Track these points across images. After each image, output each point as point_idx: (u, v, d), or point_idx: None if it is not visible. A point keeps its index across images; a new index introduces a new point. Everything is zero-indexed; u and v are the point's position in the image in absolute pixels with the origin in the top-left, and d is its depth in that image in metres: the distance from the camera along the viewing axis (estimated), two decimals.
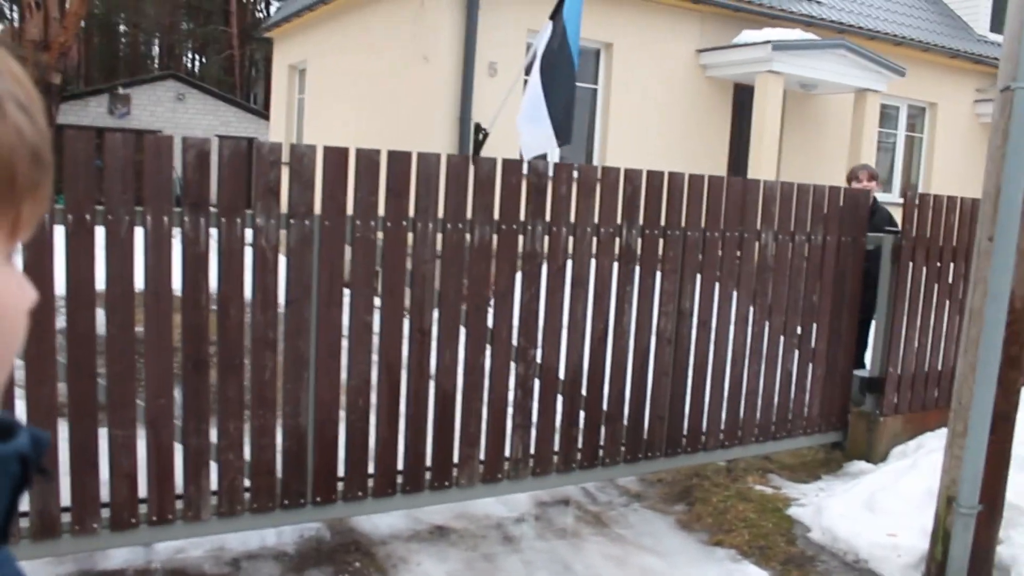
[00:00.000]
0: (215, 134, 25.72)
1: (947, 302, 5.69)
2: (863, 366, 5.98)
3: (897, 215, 5.90)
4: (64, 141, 3.26)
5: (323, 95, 14.14)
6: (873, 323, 5.65)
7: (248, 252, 3.66)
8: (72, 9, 22.48)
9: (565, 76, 7.84)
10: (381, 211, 3.89)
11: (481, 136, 10.13)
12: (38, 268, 3.25)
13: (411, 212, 3.96)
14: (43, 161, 0.54)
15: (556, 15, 8.20)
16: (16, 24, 33.89)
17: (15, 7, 39.12)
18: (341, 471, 3.95)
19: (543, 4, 9.87)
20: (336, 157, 3.76)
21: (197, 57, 44.84)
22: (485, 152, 9.92)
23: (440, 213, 4.02)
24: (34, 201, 0.54)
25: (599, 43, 11.27)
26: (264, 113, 27.18)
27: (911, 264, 5.44)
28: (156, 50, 46.04)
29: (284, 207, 3.70)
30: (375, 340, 3.98)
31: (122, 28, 43.23)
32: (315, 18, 14.26)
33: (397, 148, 3.98)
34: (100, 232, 3.40)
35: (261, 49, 38.86)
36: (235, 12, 38.06)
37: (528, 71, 9.53)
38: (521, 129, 8.09)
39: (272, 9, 44.80)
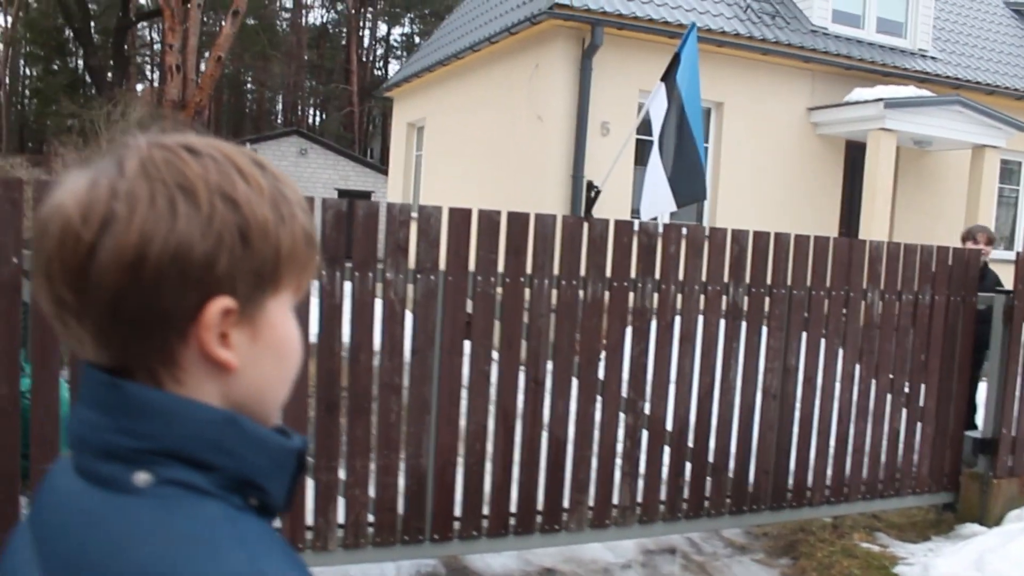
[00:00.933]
0: (335, 187, 26.86)
1: None
2: (974, 427, 5.92)
3: (1008, 273, 5.87)
4: None
5: (440, 152, 14.73)
6: (983, 384, 5.61)
7: (378, 304, 3.99)
8: (208, 71, 24.00)
9: (686, 137, 8.11)
10: (501, 268, 4.18)
11: (593, 194, 10.40)
12: None
13: (528, 269, 4.24)
14: (315, 244, 0.80)
15: (667, 76, 8.47)
16: (156, 84, 36.32)
17: (156, 70, 41.86)
18: (458, 511, 4.21)
19: (655, 65, 10.16)
20: (460, 217, 4.08)
21: (318, 113, 46.88)
22: (596, 209, 10.19)
23: (556, 270, 4.29)
24: (310, 272, 0.80)
25: (710, 102, 11.46)
26: (381, 167, 28.24)
27: None
28: (280, 107, 48.42)
29: (412, 263, 4.03)
30: (492, 389, 4.24)
31: (249, 86, 45.67)
32: (434, 78, 14.93)
33: (511, 204, 4.29)
34: None
35: (379, 106, 40.45)
36: (355, 71, 39.76)
37: (639, 131, 9.82)
38: (644, 192, 8.40)
39: (392, 68, 46.66)
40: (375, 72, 46.03)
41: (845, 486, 5.15)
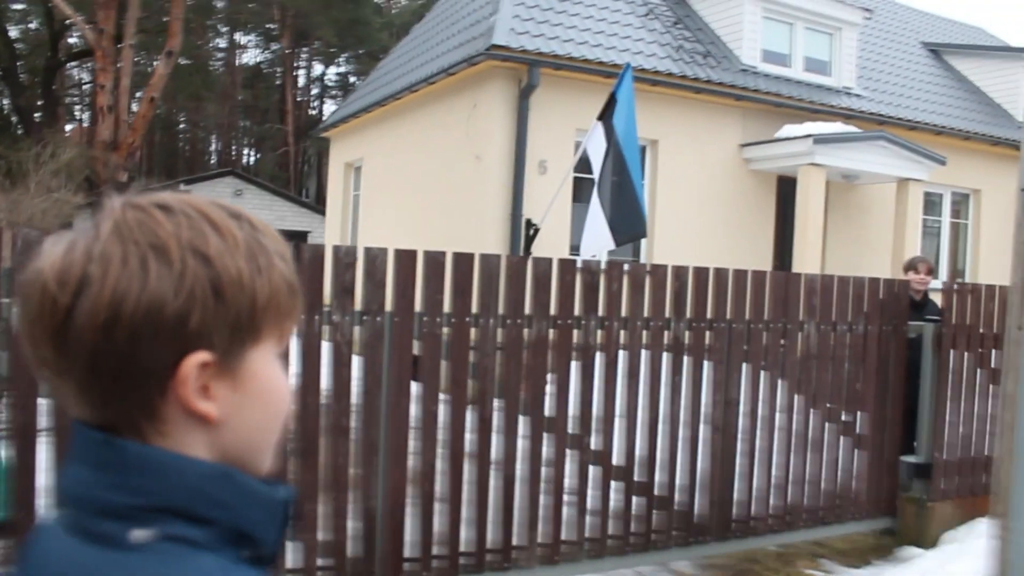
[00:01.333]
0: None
1: (991, 387, 5.83)
2: (912, 452, 6.09)
3: (938, 301, 6.10)
4: None
5: (378, 192, 14.74)
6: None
7: (325, 346, 3.99)
8: (141, 112, 23.70)
9: (624, 176, 8.26)
10: (447, 308, 4.21)
11: (532, 232, 10.52)
12: None
13: (474, 308, 4.27)
14: (296, 292, 0.81)
15: (604, 115, 8.64)
16: (86, 125, 35.75)
17: (86, 110, 41.18)
18: (409, 552, 4.19)
19: (591, 104, 10.35)
20: (406, 258, 4.11)
21: (252, 153, 46.53)
22: (536, 247, 10.30)
23: (501, 309, 4.34)
24: (292, 319, 0.82)
25: (645, 140, 11.67)
26: (317, 207, 28.11)
27: (952, 351, 5.61)
28: (213, 147, 47.96)
29: (358, 304, 4.04)
30: (441, 429, 4.25)
31: (182, 126, 45.21)
32: (371, 118, 14.97)
33: (451, 243, 4.34)
34: None
35: (315, 145, 40.31)
36: (291, 111, 39.62)
37: (576, 169, 9.98)
38: (585, 231, 8.52)
39: (327, 108, 46.56)
40: (310, 112, 45.90)
41: (789, 514, 5.26)
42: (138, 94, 33.19)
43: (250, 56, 46.28)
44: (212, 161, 46.85)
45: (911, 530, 5.62)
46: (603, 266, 4.66)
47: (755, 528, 5.14)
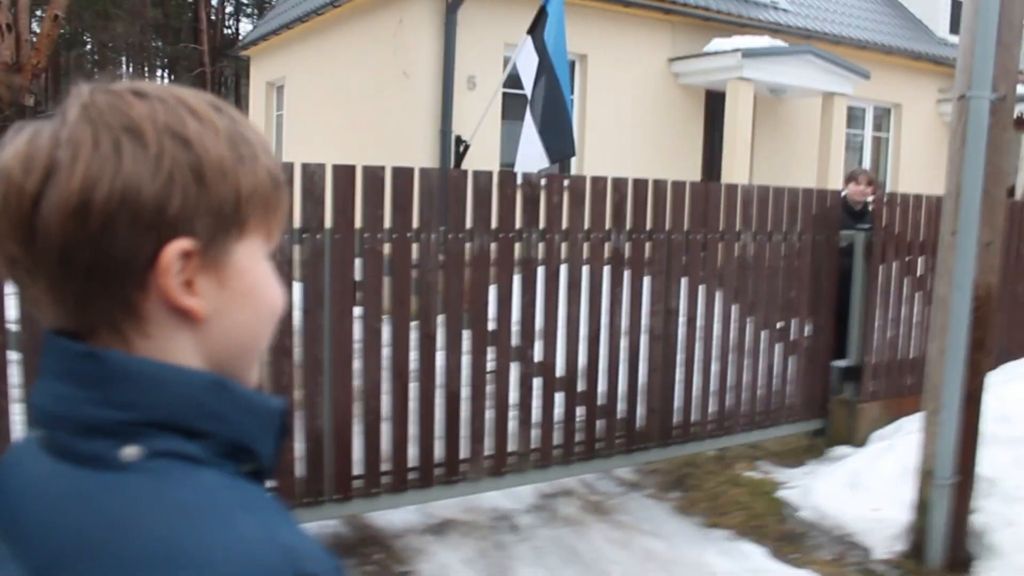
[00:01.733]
0: None
1: (917, 294, 6.02)
2: (844, 357, 6.28)
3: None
4: None
5: (302, 112, 14.36)
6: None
7: None
8: (45, 31, 22.52)
9: (555, 92, 8.15)
10: (387, 224, 4.13)
11: (462, 148, 10.38)
12: None
13: (415, 224, 4.21)
14: (281, 186, 0.76)
15: (533, 30, 8.48)
16: None
17: None
18: (357, 470, 4.19)
19: (520, 19, 10.16)
20: (344, 175, 4.01)
21: (167, 75, 44.81)
22: (466, 163, 10.18)
23: (442, 224, 4.28)
24: (279, 216, 0.76)
25: (574, 55, 11.53)
26: None
27: (882, 259, 5.76)
28: (124, 68, 46.02)
29: (296, 222, 3.94)
30: (385, 347, 4.22)
31: (89, 47, 43.23)
32: (293, 35, 14.48)
33: (380, 161, 4.24)
34: None
35: (232, 66, 39.01)
36: (205, 30, 38.13)
37: (505, 84, 9.83)
38: (519, 147, 8.41)
39: (243, 27, 44.95)
40: (225, 30, 44.26)
41: (727, 420, 5.40)
42: (39, 12, 31.52)
43: None
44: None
45: (842, 430, 5.84)
46: (543, 180, 4.62)
47: (695, 434, 5.27)
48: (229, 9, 45.21)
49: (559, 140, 8.23)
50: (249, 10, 45.99)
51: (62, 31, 33.11)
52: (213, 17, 41.56)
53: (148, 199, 0.65)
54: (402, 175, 4.14)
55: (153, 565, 0.60)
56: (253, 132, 0.74)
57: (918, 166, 15.34)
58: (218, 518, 0.63)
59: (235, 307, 0.72)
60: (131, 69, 44.26)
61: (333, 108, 12.98)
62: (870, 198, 6.41)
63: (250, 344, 0.75)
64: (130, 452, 0.65)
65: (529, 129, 8.22)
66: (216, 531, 0.62)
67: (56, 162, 0.64)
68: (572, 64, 11.69)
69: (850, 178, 6.69)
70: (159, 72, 44.26)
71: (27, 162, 0.65)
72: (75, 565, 0.62)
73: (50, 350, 0.70)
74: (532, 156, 8.19)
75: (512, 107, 11.43)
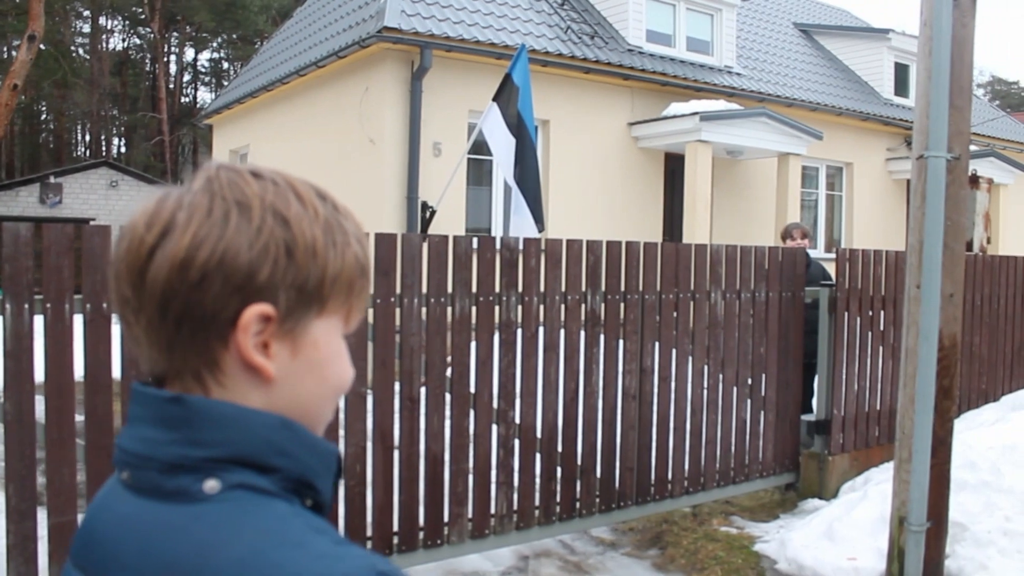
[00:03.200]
0: None
1: (880, 347, 6.22)
2: (811, 410, 6.44)
3: (830, 268, 6.45)
4: (82, 235, 3.56)
5: None
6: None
7: None
8: (3, 100, 22.47)
9: (531, 166, 8.42)
10: (371, 290, 4.23)
11: (428, 214, 10.53)
12: (58, 357, 3.52)
13: (398, 289, 4.31)
14: (368, 275, 0.86)
15: (498, 97, 8.72)
16: None
17: None
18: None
19: (484, 86, 10.46)
20: None
21: (122, 143, 44.72)
22: (432, 228, 10.32)
23: (424, 289, 4.39)
24: (361, 302, 0.86)
25: (537, 120, 11.81)
26: None
27: (846, 313, 5.97)
28: (79, 137, 45.88)
29: None
30: (369, 412, 4.28)
31: (45, 116, 43.06)
32: (257, 104, 14.66)
33: None
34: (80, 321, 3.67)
35: (190, 134, 39.11)
36: (164, 98, 38.23)
37: (471, 151, 10.03)
38: (512, 215, 8.61)
39: (201, 95, 45.15)
40: (183, 99, 44.43)
41: (702, 476, 5.50)
42: None
43: (116, 41, 44.40)
44: (78, 152, 44.83)
45: (813, 483, 5.97)
46: (520, 243, 4.76)
47: (671, 491, 5.36)
48: (187, 78, 45.47)
49: (539, 210, 8.49)
50: (207, 79, 46.30)
51: (20, 100, 33.08)
52: (171, 86, 41.74)
53: (242, 264, 0.75)
54: (386, 241, 4.25)
55: None
56: (352, 223, 0.85)
57: (870, 221, 15.80)
58: (295, 540, 0.72)
59: (304, 375, 0.81)
60: (88, 138, 44.14)
61: (299, 175, 13.08)
62: (817, 251, 6.65)
63: (313, 411, 0.83)
64: (211, 485, 0.74)
65: (518, 199, 8.43)
66: (295, 551, 0.71)
67: (175, 221, 0.76)
68: (534, 130, 11.94)
69: (785, 235, 6.92)
70: (115, 139, 44.16)
71: (152, 218, 0.77)
72: None
73: (138, 398, 0.79)
74: (523, 227, 8.38)
75: (476, 173, 11.68)
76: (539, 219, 8.49)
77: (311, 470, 0.80)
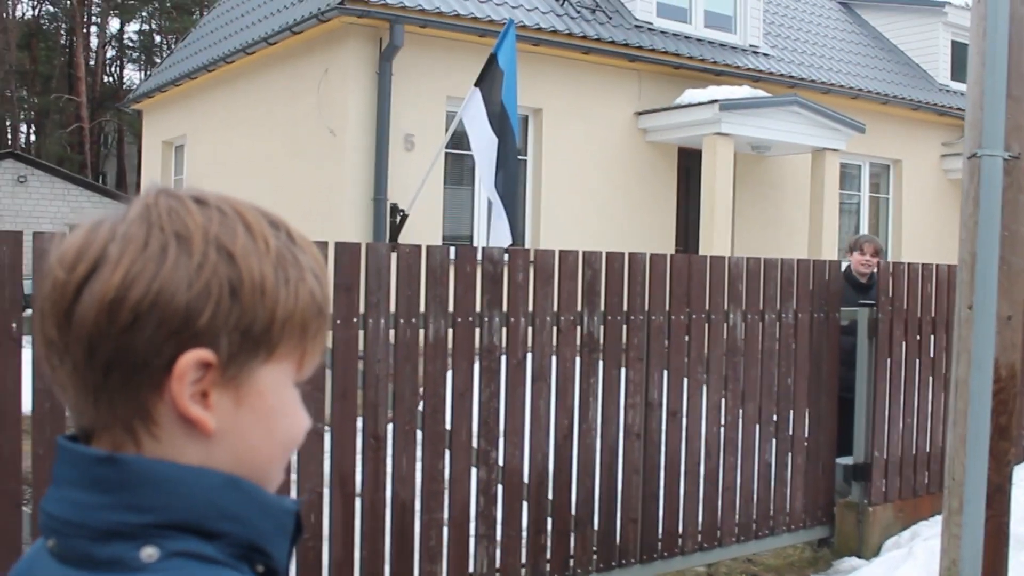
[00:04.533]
0: (66, 222, 25.74)
1: (931, 378, 6.32)
2: (849, 453, 6.51)
3: None
4: None
5: (208, 176, 14.52)
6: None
7: None
8: None
9: (512, 172, 8.54)
10: (329, 308, 4.30)
11: (399, 219, 10.61)
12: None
13: (362, 308, 4.39)
14: (326, 315, 0.91)
15: (481, 81, 8.82)
16: None
17: None
18: None
19: (464, 69, 10.55)
20: None
21: (32, 130, 44.67)
22: (404, 235, 10.41)
23: (392, 308, 4.47)
24: (317, 345, 0.91)
25: (527, 109, 11.92)
26: (122, 195, 27.28)
27: (890, 338, 6.06)
28: None
29: None
30: (326, 452, 4.35)
31: None
32: (196, 87, 14.75)
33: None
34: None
35: (115, 120, 39.07)
36: (83, 78, 38.22)
37: (449, 145, 10.12)
38: (491, 222, 8.72)
39: (128, 74, 45.09)
40: (106, 79, 44.45)
41: (718, 529, 5.57)
42: None
43: (24, 8, 44.41)
44: None
45: (850, 539, 6.04)
46: (506, 255, 4.84)
47: (681, 547, 5.43)
48: (111, 54, 45.48)
49: (516, 220, 8.60)
50: (135, 54, 46.30)
51: None
52: (92, 63, 41.75)
53: (179, 305, 0.78)
54: (347, 252, 4.32)
55: None
56: (309, 256, 0.89)
57: (923, 230, 15.91)
58: None
59: (249, 428, 0.85)
60: None
61: (245, 171, 13.18)
62: (875, 269, 6.70)
63: (261, 468, 0.87)
64: (149, 553, 0.78)
65: (496, 201, 8.53)
66: None
67: (106, 255, 0.79)
68: (524, 119, 12.03)
69: (853, 247, 7.00)
70: (23, 126, 44.10)
71: (81, 250, 0.80)
72: None
73: (65, 456, 0.83)
74: (498, 232, 8.48)
75: (456, 170, 11.79)
76: (515, 230, 8.57)
77: (262, 534, 0.85)
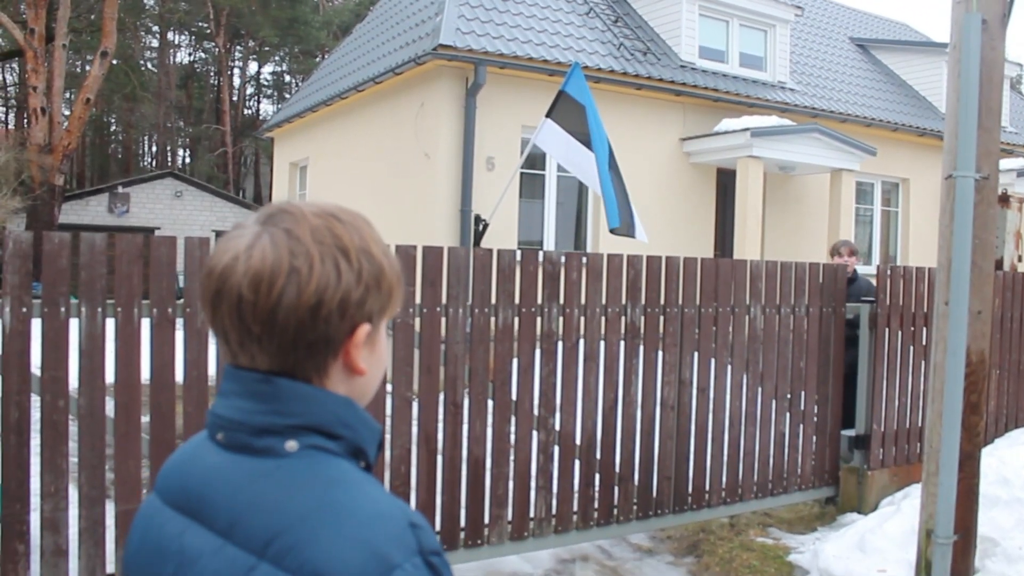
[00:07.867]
0: (212, 229, 26.46)
1: (922, 363, 6.27)
2: (852, 425, 6.50)
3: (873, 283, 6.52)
4: (150, 245, 3.84)
5: (326, 191, 14.86)
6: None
7: None
8: (76, 113, 23.35)
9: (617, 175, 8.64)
10: (418, 299, 4.46)
11: (481, 227, 10.75)
12: (127, 357, 3.80)
13: (444, 299, 4.54)
14: (401, 283, 1.08)
15: (552, 112, 8.92)
16: (11, 127, 34.96)
17: (12, 112, 40.26)
18: None
19: (536, 102, 10.68)
20: None
21: (187, 154, 45.90)
22: (485, 241, 10.55)
23: (469, 299, 4.61)
24: (398, 302, 1.09)
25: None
26: (257, 207, 27.91)
27: (887, 329, 6.04)
28: (145, 148, 47.23)
29: None
30: (415, 416, 4.51)
31: (113, 128, 44.41)
32: (316, 118, 15.08)
33: (401, 240, 4.57)
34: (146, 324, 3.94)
35: (252, 145, 39.99)
36: (227, 111, 39.22)
37: (523, 165, 10.22)
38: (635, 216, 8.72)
39: (263, 108, 46.11)
40: (246, 111, 45.49)
41: (739, 487, 5.61)
42: (67, 95, 32.56)
43: (182, 55, 45.70)
44: (145, 163, 46.17)
45: (852, 498, 6.04)
46: (563, 257, 4.95)
47: (708, 500, 5.49)
48: (250, 91, 46.55)
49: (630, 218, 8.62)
50: (270, 91, 47.33)
51: (91, 112, 34.25)
52: (235, 99, 42.79)
53: (354, 300, 0.99)
54: (432, 254, 4.48)
55: (315, 515, 0.92)
56: (383, 241, 1.08)
57: (927, 239, 15.63)
58: (357, 487, 0.96)
59: (373, 365, 1.06)
60: (155, 149, 45.37)
61: (356, 188, 13.46)
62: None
63: (369, 392, 1.08)
64: (291, 445, 0.98)
65: (626, 204, 8.56)
66: (356, 494, 0.95)
67: (297, 270, 0.96)
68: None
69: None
70: (180, 151, 45.36)
71: (275, 266, 0.96)
72: (255, 520, 0.95)
73: (232, 376, 1.02)
74: (639, 231, 8.50)
75: (529, 187, 11.89)
76: (634, 227, 8.65)
77: (365, 440, 1.04)
